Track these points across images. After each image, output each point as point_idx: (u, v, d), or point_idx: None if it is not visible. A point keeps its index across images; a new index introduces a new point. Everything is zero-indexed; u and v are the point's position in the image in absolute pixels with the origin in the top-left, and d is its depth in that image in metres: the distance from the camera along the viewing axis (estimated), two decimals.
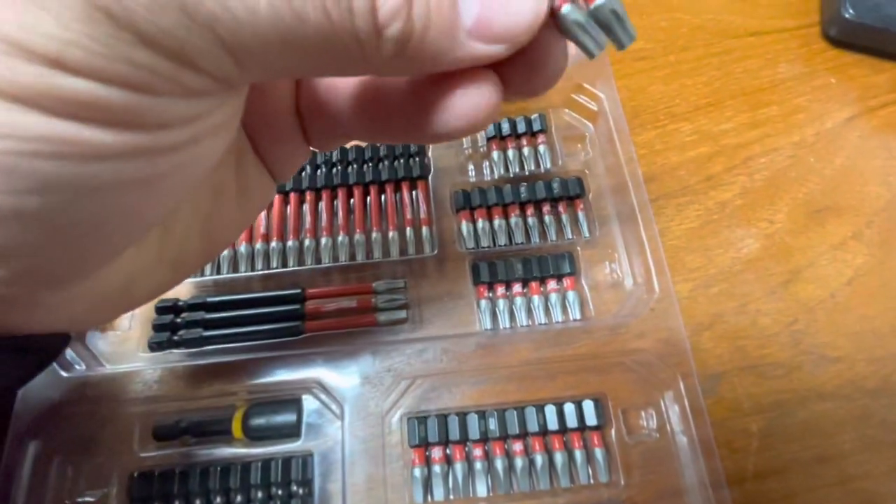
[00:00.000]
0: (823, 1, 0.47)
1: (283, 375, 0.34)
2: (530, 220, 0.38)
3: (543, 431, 0.32)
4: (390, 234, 0.37)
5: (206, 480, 0.31)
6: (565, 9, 0.16)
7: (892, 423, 0.33)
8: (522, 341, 0.35)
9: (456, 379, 0.34)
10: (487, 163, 0.40)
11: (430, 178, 0.39)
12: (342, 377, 0.34)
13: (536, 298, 0.36)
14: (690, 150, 0.42)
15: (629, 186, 0.37)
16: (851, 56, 0.45)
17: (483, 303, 0.36)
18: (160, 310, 0.35)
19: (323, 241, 0.37)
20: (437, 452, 0.32)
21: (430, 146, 0.40)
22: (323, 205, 0.38)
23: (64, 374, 0.32)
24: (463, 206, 0.38)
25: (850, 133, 0.42)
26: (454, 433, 0.32)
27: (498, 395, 0.34)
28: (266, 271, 0.37)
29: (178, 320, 0.35)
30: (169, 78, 0.14)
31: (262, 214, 0.38)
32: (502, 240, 0.37)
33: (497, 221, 0.38)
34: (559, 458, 0.32)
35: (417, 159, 0.39)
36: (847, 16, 0.44)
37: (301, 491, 0.31)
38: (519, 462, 0.32)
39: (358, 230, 0.37)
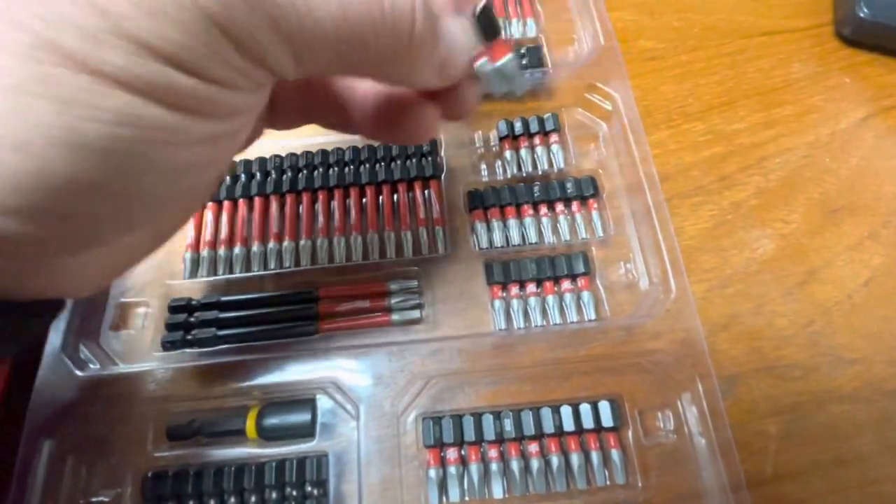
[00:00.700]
0: (837, 0, 0.46)
1: (297, 375, 0.33)
2: (544, 220, 0.37)
3: (559, 432, 0.32)
4: (403, 233, 0.37)
5: (219, 481, 0.31)
6: (479, 63, 0.24)
7: None
8: (537, 341, 0.34)
9: (471, 379, 0.33)
10: (500, 162, 0.40)
11: (442, 177, 0.39)
12: (356, 377, 0.33)
13: (551, 298, 0.35)
14: (704, 149, 0.41)
15: (644, 185, 0.36)
16: (865, 55, 0.45)
17: (497, 303, 0.35)
18: (173, 309, 0.35)
19: (336, 240, 0.37)
20: (452, 453, 0.32)
21: (443, 146, 0.40)
22: (335, 204, 0.38)
23: (78, 373, 0.32)
24: (476, 206, 0.37)
25: (866, 133, 0.42)
26: (469, 434, 0.32)
27: (513, 395, 0.33)
28: (279, 270, 0.36)
29: (192, 319, 0.34)
30: (248, 76, 0.17)
31: (275, 214, 0.38)
32: (516, 239, 0.37)
33: (510, 221, 0.37)
34: (575, 459, 0.31)
35: (430, 159, 0.39)
36: (861, 14, 0.43)
37: (316, 492, 0.31)
38: (535, 463, 0.31)
39: (371, 229, 0.37)
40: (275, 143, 0.40)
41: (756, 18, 0.47)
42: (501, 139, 0.40)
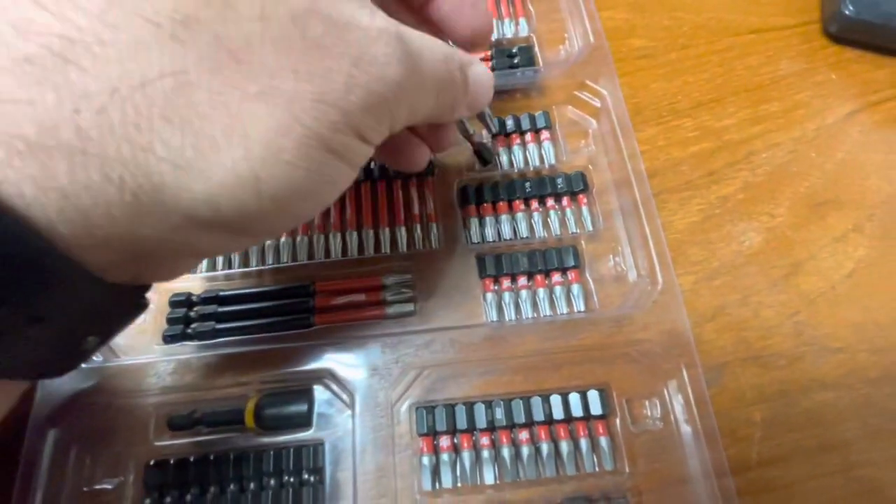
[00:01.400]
0: None
1: (294, 366, 0.34)
2: (535, 215, 0.38)
3: (549, 421, 0.32)
4: (397, 229, 0.37)
5: (220, 469, 0.32)
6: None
7: (893, 412, 0.33)
8: (528, 333, 0.35)
9: (463, 369, 0.34)
10: (491, 153, 0.40)
11: (436, 174, 0.39)
12: (352, 368, 0.34)
13: (542, 291, 0.36)
14: (692, 145, 0.42)
15: (632, 181, 0.37)
16: (852, 52, 0.45)
17: (489, 296, 0.36)
18: (174, 303, 0.35)
19: (332, 235, 0.37)
20: (444, 441, 0.32)
21: None
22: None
23: (83, 365, 0.33)
24: (468, 202, 0.38)
25: (851, 128, 0.42)
26: (461, 422, 0.32)
27: (504, 385, 0.34)
28: (276, 265, 0.37)
29: (192, 313, 0.35)
30: (381, 138, 0.24)
31: None
32: (508, 234, 0.37)
33: (503, 216, 0.38)
34: (564, 446, 0.32)
35: None
36: (847, 12, 0.44)
37: (312, 479, 0.32)
38: (525, 450, 0.32)
39: (366, 225, 0.38)
40: None
41: (745, 17, 0.48)
42: (494, 137, 0.41)
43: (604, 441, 0.32)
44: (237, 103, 0.18)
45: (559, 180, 0.38)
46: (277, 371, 0.34)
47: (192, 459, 0.32)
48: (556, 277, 0.36)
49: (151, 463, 0.32)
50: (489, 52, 0.43)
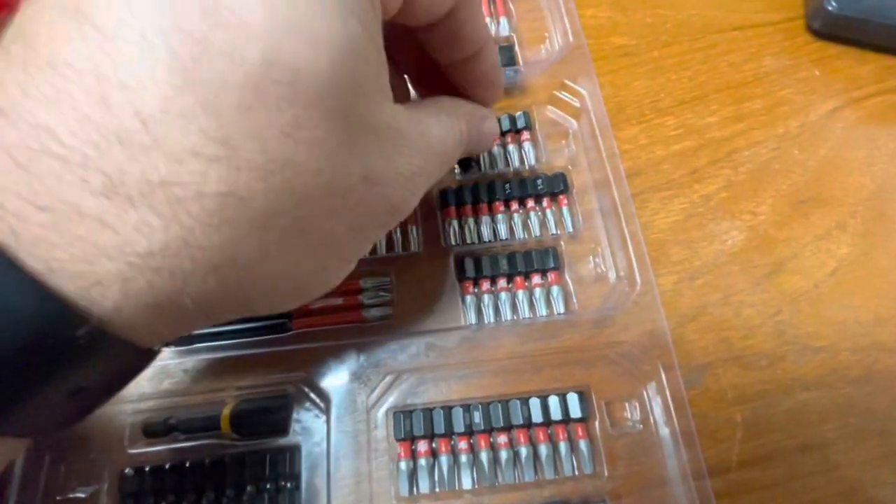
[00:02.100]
0: None
1: (271, 372, 0.34)
2: (515, 217, 0.38)
3: (528, 424, 0.32)
4: None
5: (196, 476, 0.32)
6: None
7: (875, 412, 0.33)
8: (507, 335, 0.35)
9: (441, 373, 0.34)
10: (472, 160, 0.40)
11: None
12: (329, 373, 0.34)
13: (521, 293, 0.36)
14: (675, 144, 0.42)
15: (611, 181, 0.37)
16: (835, 48, 0.45)
17: (468, 298, 0.36)
18: None
19: None
20: (422, 446, 0.32)
21: None
22: None
23: None
24: (448, 204, 0.38)
25: (835, 124, 0.42)
26: (439, 427, 0.32)
27: (483, 388, 0.34)
28: None
29: None
30: None
31: None
32: (487, 236, 0.37)
33: (482, 218, 0.38)
34: (543, 450, 0.32)
35: None
36: (830, 8, 0.43)
37: (289, 485, 0.32)
38: (504, 454, 0.32)
39: None
40: None
41: (728, 13, 0.47)
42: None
43: (583, 444, 0.32)
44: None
45: (539, 181, 0.38)
46: (254, 377, 0.34)
47: (167, 467, 0.32)
48: (536, 279, 0.36)
49: (126, 471, 0.32)
50: None
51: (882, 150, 0.41)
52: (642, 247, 0.35)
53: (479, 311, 0.35)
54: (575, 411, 0.32)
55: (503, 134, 0.40)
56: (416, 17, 0.24)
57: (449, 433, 0.32)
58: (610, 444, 0.32)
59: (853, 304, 0.36)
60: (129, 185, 0.16)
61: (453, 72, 0.30)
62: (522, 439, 0.32)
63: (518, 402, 0.33)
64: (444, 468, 0.32)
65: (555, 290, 0.36)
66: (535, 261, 0.36)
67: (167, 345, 0.34)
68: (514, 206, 0.38)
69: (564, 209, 0.38)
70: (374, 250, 0.37)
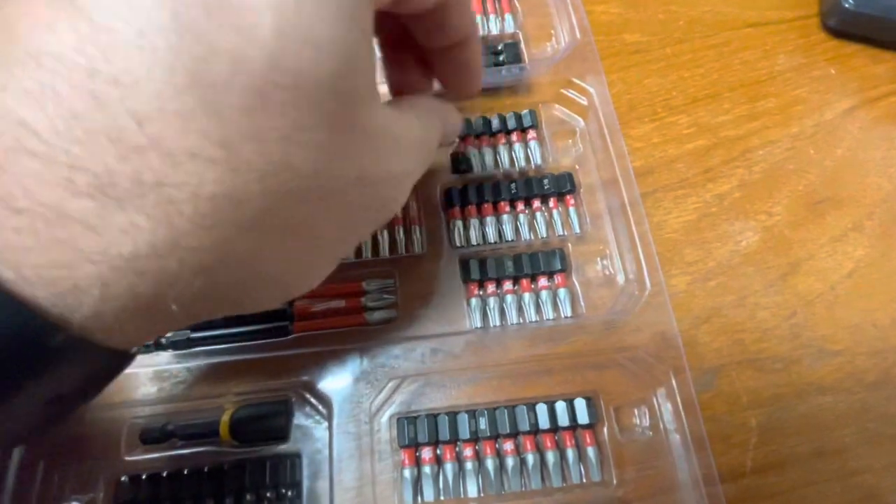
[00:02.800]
0: None
1: (271, 376, 0.34)
2: (521, 217, 0.38)
3: (535, 430, 0.33)
4: (379, 232, 0.38)
5: (193, 484, 0.32)
6: None
7: (892, 417, 0.33)
8: (513, 339, 0.35)
9: (446, 378, 0.34)
10: (477, 160, 0.40)
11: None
12: (331, 377, 0.34)
13: (527, 296, 0.36)
14: (688, 142, 0.42)
15: (620, 181, 0.37)
16: (851, 46, 0.46)
17: (473, 301, 0.36)
18: None
19: None
20: (427, 453, 0.32)
21: None
22: None
23: None
24: (453, 204, 0.38)
25: (850, 124, 0.42)
26: (444, 433, 0.32)
27: (488, 393, 0.34)
28: None
29: None
30: None
31: None
32: (492, 237, 0.38)
33: (487, 218, 0.38)
34: (551, 457, 0.32)
35: None
36: (846, 5, 0.44)
37: (290, 493, 0.32)
38: (510, 461, 0.32)
39: None
40: None
41: (742, 10, 0.48)
42: (478, 136, 0.41)
43: (591, 451, 0.32)
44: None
45: (546, 181, 0.38)
46: (254, 382, 0.34)
47: (165, 474, 0.32)
48: (543, 281, 0.36)
49: (123, 478, 0.32)
50: None
51: None
52: (652, 248, 0.35)
53: (484, 314, 0.36)
54: (583, 417, 0.33)
55: (508, 132, 0.41)
56: (408, 7, 0.25)
57: (454, 440, 0.33)
58: (619, 450, 0.32)
59: (870, 307, 0.36)
60: (119, 185, 0.16)
61: (437, 57, 0.31)
62: (529, 446, 0.32)
63: (524, 407, 0.33)
64: (450, 476, 0.32)
65: (562, 292, 0.36)
66: (542, 262, 0.36)
67: (165, 348, 0.34)
68: (520, 206, 0.38)
69: (571, 209, 0.38)
70: (377, 251, 0.37)
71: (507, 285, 0.36)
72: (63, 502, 0.32)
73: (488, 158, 0.40)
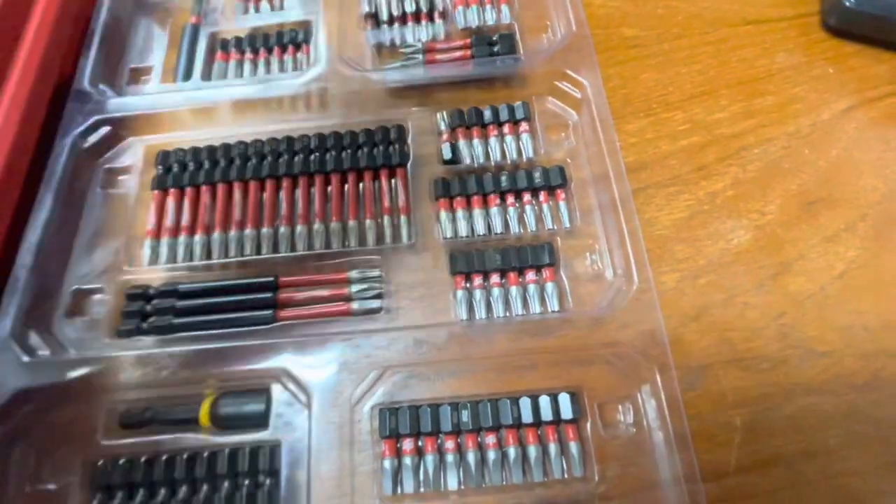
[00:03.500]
0: None
1: (253, 364, 0.34)
2: (510, 210, 0.38)
3: (518, 424, 0.33)
4: (367, 222, 0.38)
5: (171, 470, 0.32)
6: None
7: (879, 419, 0.33)
8: (499, 332, 0.35)
9: (429, 370, 0.34)
10: (468, 151, 0.41)
11: (409, 165, 0.40)
12: (313, 366, 0.34)
13: (514, 289, 0.36)
14: (682, 139, 0.42)
15: (611, 176, 0.37)
16: (851, 46, 0.46)
17: (460, 293, 0.36)
18: (130, 297, 0.36)
19: (298, 228, 0.38)
20: (408, 444, 0.33)
21: (410, 134, 0.41)
22: (300, 192, 0.39)
23: (27, 359, 0.33)
24: (442, 195, 0.39)
25: (847, 124, 0.43)
26: (426, 425, 0.33)
27: (472, 386, 0.34)
28: (240, 258, 0.37)
29: (148, 307, 0.36)
30: None
31: (238, 201, 0.39)
32: (481, 229, 0.38)
33: (476, 210, 0.38)
34: (533, 451, 0.32)
35: (397, 146, 0.40)
36: (847, 4, 0.44)
37: (268, 481, 0.32)
38: (492, 455, 0.32)
39: (334, 218, 0.38)
40: (240, 129, 0.41)
41: (741, 7, 0.48)
42: (469, 127, 0.41)
43: (574, 446, 0.32)
44: None
45: (536, 174, 0.39)
46: (236, 368, 0.34)
47: (142, 460, 0.32)
48: (531, 275, 0.36)
49: (99, 463, 0.32)
50: (469, 40, 0.44)
51: (895, 152, 0.41)
52: (641, 244, 0.36)
53: (470, 307, 0.36)
54: (566, 412, 0.33)
55: (500, 124, 0.41)
56: None
57: (436, 432, 0.33)
58: (601, 446, 0.33)
59: (860, 309, 0.36)
60: None
61: None
62: (511, 440, 0.33)
63: (508, 401, 0.33)
64: (430, 468, 0.32)
65: (549, 286, 0.36)
66: (530, 256, 0.37)
67: (147, 333, 0.35)
68: (510, 199, 0.39)
69: (562, 204, 0.38)
70: (363, 241, 0.38)
71: (495, 278, 0.37)
72: (38, 486, 0.32)
73: (479, 150, 0.40)
